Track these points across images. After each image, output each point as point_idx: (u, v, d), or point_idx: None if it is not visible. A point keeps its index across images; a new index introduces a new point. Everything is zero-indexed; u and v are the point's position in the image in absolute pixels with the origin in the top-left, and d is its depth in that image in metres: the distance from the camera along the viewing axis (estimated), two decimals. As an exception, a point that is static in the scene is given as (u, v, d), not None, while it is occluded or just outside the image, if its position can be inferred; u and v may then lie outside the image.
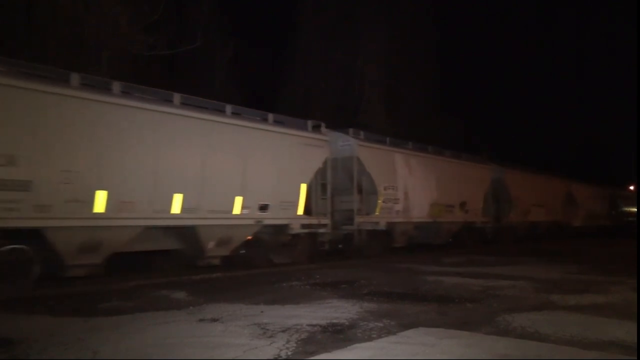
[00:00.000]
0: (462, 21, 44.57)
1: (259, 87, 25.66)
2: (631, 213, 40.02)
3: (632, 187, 41.69)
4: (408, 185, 16.09)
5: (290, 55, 26.94)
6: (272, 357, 4.51)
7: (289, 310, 6.71)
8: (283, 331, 5.45)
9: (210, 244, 10.56)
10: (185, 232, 10.40)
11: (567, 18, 60.98)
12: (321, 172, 13.27)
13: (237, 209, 10.97)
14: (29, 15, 14.64)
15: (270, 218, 11.79)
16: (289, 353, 4.65)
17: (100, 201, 8.77)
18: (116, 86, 9.38)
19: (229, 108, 11.29)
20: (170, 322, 5.97)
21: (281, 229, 12.27)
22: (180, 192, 9.94)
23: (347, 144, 14.52)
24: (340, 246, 14.42)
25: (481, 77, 49.35)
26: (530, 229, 24.23)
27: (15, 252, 8.04)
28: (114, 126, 9.04)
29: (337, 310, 6.68)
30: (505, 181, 21.89)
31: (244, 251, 11.74)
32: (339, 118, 21.58)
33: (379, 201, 14.87)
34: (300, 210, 12.53)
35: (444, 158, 18.48)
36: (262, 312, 6.60)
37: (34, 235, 8.09)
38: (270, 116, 12.22)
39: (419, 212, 16.53)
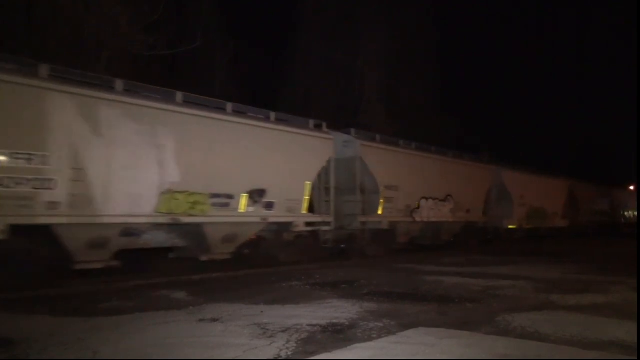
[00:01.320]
0: (462, 21, 44.67)
1: (259, 87, 25.69)
2: (602, 212, 33.97)
3: (632, 187, 41.65)
4: (88, 157, 8.98)
5: (290, 55, 26.96)
6: (272, 357, 4.51)
7: (289, 310, 6.71)
8: (283, 331, 5.45)
9: None
10: None
11: (567, 18, 61.04)
12: None
13: None
14: (29, 15, 14.64)
15: None
16: (289, 353, 4.65)
17: None
18: None
19: None
20: (170, 322, 5.97)
21: None
22: None
23: None
24: None
25: (481, 77, 49.44)
26: (422, 233, 17.30)
27: None
28: None
29: (337, 310, 6.69)
30: (368, 161, 14.80)
31: None
32: (339, 118, 21.59)
33: None
34: None
35: (203, 114, 10.69)
36: (262, 312, 6.60)
37: None
38: None
39: (133, 205, 9.57)
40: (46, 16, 14.60)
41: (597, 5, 63.06)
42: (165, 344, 4.98)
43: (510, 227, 22.33)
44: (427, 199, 17.05)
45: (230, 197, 11.13)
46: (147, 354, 4.65)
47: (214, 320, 6.06)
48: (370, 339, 5.20)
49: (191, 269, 10.76)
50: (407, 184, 16.15)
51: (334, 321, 5.99)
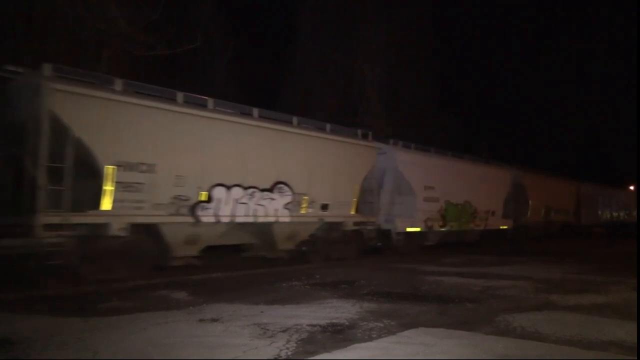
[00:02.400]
0: (462, 21, 44.69)
1: (259, 87, 25.69)
2: (563, 211, 27.48)
3: (632, 187, 41.61)
4: None
5: (290, 55, 26.97)
6: (272, 357, 4.51)
7: (289, 310, 6.71)
8: (283, 331, 5.45)
9: None
10: None
11: (568, 18, 61.05)
12: None
13: None
14: (29, 15, 14.63)
15: None
16: (289, 353, 4.65)
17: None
18: None
19: None
20: (170, 322, 5.97)
21: None
22: None
23: None
24: None
25: (481, 77, 49.47)
26: (229, 238, 11.58)
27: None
28: None
29: (337, 310, 6.69)
30: (69, 119, 8.69)
31: None
32: (338, 118, 21.59)
33: None
34: None
35: None
36: (262, 312, 6.60)
37: None
38: None
39: None
40: (46, 16, 14.59)
41: (598, 5, 63.09)
42: (165, 344, 4.98)
43: (410, 229, 16.04)
44: (228, 187, 10.93)
45: None
46: (147, 354, 4.65)
47: (214, 320, 6.06)
48: (370, 339, 5.20)
49: (191, 269, 10.76)
50: (178, 162, 10.20)
51: (334, 321, 5.99)
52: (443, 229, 17.54)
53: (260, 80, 25.91)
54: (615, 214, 36.46)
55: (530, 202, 23.56)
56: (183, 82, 17.88)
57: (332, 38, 25.76)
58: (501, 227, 21.15)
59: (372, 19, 26.21)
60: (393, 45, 26.39)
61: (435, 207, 17.16)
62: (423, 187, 16.60)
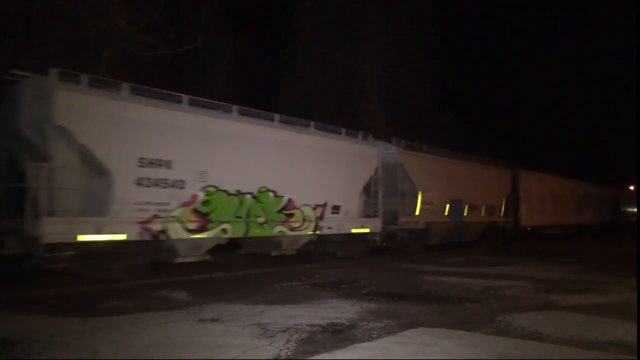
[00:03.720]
0: (462, 21, 44.73)
1: (259, 87, 25.65)
2: (488, 208, 19.70)
3: (632, 187, 41.54)
4: None
5: (290, 55, 26.96)
6: (272, 357, 4.51)
7: (289, 310, 6.71)
8: (283, 331, 5.45)
9: None
10: None
11: (568, 18, 61.06)
12: None
13: None
14: (29, 15, 14.62)
15: None
16: (289, 353, 4.65)
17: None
18: None
19: None
20: (170, 322, 5.97)
21: None
22: None
23: None
24: None
25: (481, 77, 49.45)
26: None
27: None
28: None
29: (337, 310, 6.69)
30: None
31: None
32: (339, 118, 21.58)
33: None
34: None
35: None
36: (262, 312, 6.60)
37: None
38: None
39: None
40: (46, 16, 14.58)
41: (598, 5, 63.06)
42: (165, 344, 4.98)
43: (89, 238, 8.64)
44: None
45: None
46: (147, 354, 4.65)
47: (214, 320, 6.06)
48: (370, 339, 5.20)
49: (191, 269, 10.76)
50: None
51: (334, 321, 5.99)
52: (201, 236, 10.27)
53: (260, 80, 25.88)
54: (581, 215, 28.68)
55: (420, 194, 16.11)
56: (183, 82, 17.89)
57: (332, 38, 25.77)
58: (354, 231, 13.72)
59: (372, 19, 26.21)
60: (393, 45, 26.39)
61: (175, 198, 9.88)
62: (136, 160, 9.33)
